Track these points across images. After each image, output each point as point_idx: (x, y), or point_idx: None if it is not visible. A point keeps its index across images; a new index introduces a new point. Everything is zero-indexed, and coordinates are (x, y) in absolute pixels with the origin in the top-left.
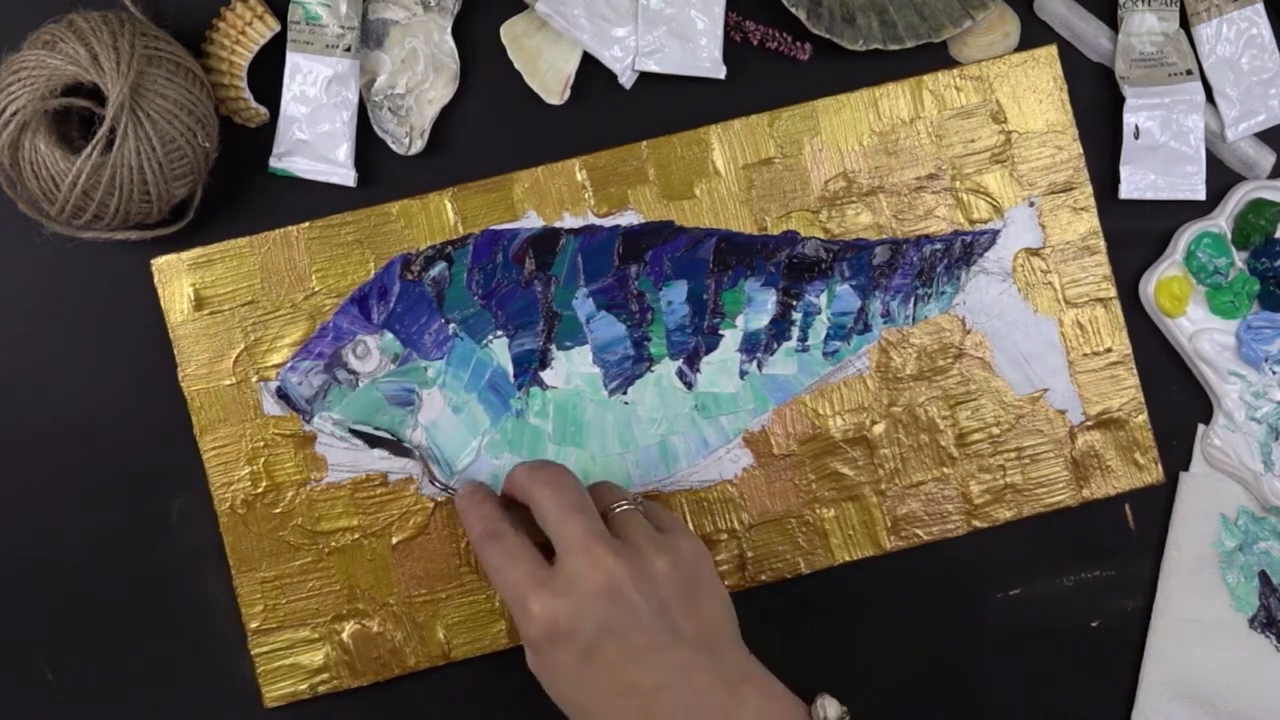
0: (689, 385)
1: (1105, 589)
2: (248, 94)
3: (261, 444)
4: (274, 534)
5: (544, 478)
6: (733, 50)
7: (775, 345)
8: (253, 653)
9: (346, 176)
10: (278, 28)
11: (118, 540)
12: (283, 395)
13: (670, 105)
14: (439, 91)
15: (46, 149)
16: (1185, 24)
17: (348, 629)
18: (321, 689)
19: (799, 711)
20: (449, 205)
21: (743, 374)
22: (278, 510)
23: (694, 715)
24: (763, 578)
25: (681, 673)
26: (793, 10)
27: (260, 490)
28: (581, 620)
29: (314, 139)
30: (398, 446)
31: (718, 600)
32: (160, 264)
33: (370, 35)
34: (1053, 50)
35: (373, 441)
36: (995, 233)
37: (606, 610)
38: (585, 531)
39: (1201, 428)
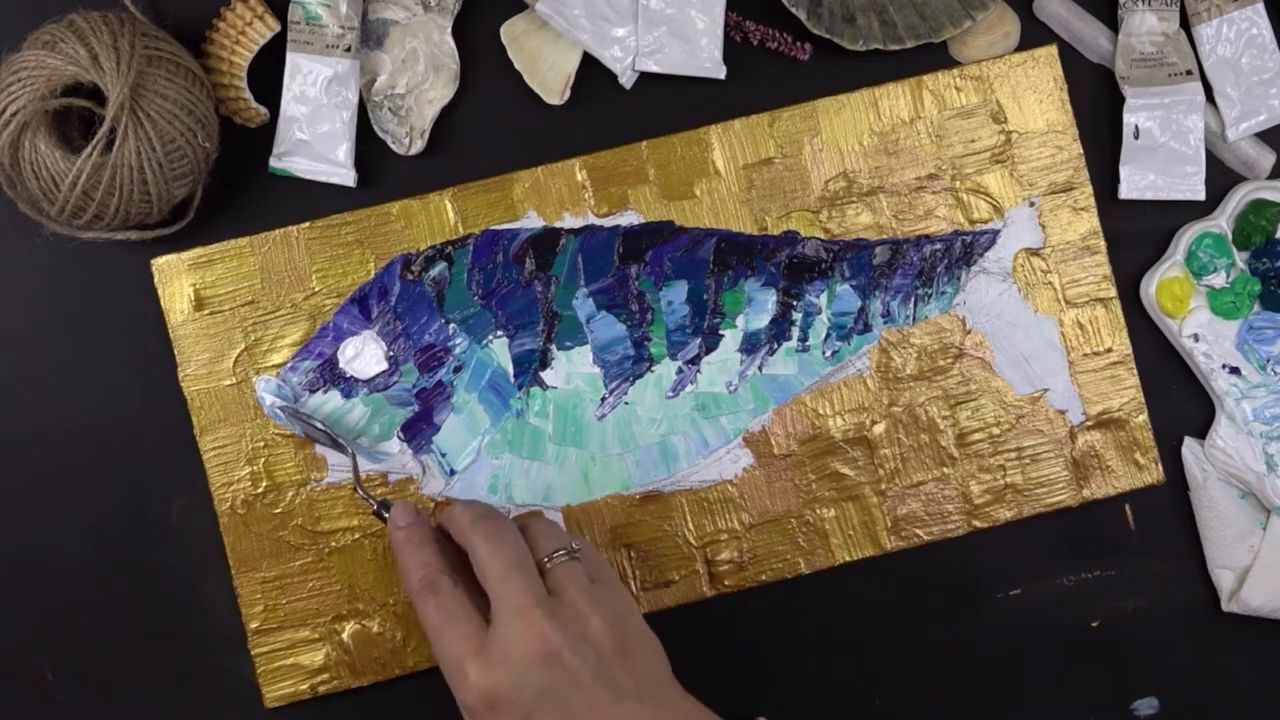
0: (675, 393)
1: (1105, 589)
2: (248, 94)
3: (261, 444)
4: (274, 534)
5: (485, 530)
6: (733, 50)
7: (775, 345)
8: (253, 653)
9: (346, 176)
10: (278, 28)
11: (118, 540)
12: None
13: (670, 105)
14: (439, 91)
15: (46, 149)
16: (1185, 24)
17: (348, 629)
18: (322, 689)
19: None
20: (449, 205)
21: (729, 387)
22: (278, 510)
23: None
24: (763, 578)
25: None
26: (793, 10)
27: (260, 490)
28: (521, 688)
29: (314, 139)
30: (333, 441)
31: (651, 648)
32: (160, 264)
33: (370, 35)
34: (1053, 50)
35: (308, 429)
36: (995, 233)
37: (544, 676)
38: (523, 593)
39: (1188, 440)
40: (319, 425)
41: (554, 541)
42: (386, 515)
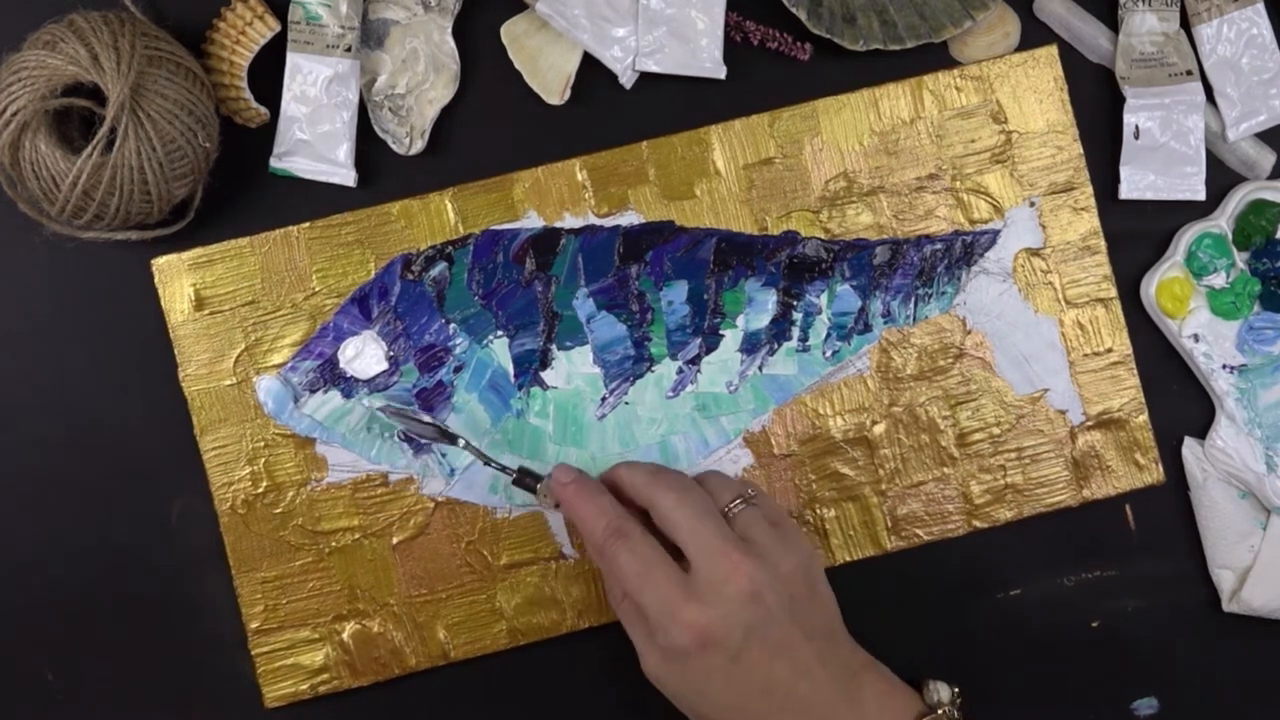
0: (675, 393)
1: (1105, 589)
2: (248, 94)
3: (262, 444)
4: (274, 534)
5: (667, 483)
6: (733, 50)
7: (776, 345)
8: (253, 653)
9: (346, 176)
10: (278, 28)
11: (118, 541)
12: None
13: (670, 105)
14: (439, 91)
15: (47, 149)
16: (1185, 24)
17: (348, 629)
18: (322, 689)
19: (912, 696)
20: (449, 205)
21: (729, 387)
22: (278, 510)
23: (825, 703)
24: None
25: (813, 664)
26: (793, 10)
27: (260, 490)
28: (732, 626)
29: (314, 139)
30: (442, 434)
31: (829, 595)
32: (160, 264)
33: (370, 35)
34: (1053, 50)
35: (411, 426)
36: (996, 233)
37: (751, 613)
38: (720, 537)
39: (1188, 440)
40: (425, 420)
41: (731, 490)
42: (531, 482)
